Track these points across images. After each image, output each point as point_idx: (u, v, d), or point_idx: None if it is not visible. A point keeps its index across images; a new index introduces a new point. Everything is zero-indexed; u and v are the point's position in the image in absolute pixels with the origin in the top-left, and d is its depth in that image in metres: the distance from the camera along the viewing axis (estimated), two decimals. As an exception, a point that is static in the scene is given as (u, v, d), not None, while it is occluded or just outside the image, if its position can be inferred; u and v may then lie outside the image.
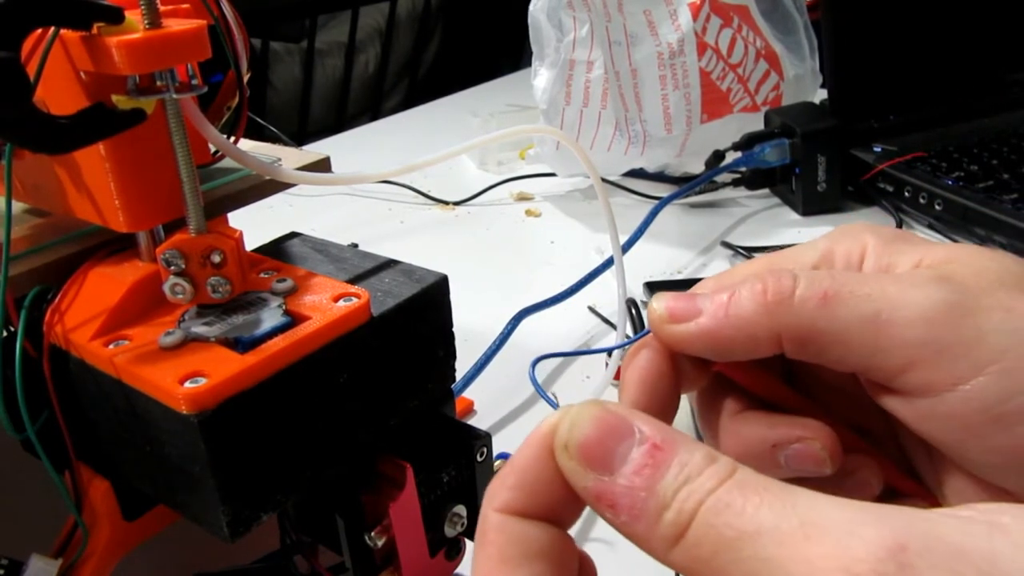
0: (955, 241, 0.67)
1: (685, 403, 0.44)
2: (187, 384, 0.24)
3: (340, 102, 1.84)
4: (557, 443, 0.18)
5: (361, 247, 0.34)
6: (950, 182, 0.69)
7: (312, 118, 1.77)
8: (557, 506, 0.18)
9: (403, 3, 1.95)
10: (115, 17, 0.24)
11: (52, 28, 0.25)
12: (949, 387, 0.19)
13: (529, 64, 0.83)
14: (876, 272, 0.22)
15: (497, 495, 0.19)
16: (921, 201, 0.70)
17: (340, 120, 1.82)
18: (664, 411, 0.23)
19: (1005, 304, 0.19)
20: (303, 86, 1.74)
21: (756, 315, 0.20)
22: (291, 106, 1.75)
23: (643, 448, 0.17)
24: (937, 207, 0.68)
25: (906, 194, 0.71)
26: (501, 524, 0.19)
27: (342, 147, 1.04)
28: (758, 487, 0.16)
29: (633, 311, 0.49)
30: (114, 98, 0.26)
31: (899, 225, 0.70)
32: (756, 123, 0.78)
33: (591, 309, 0.62)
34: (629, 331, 0.49)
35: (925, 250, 0.22)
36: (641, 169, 0.83)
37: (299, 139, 1.35)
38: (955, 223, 0.67)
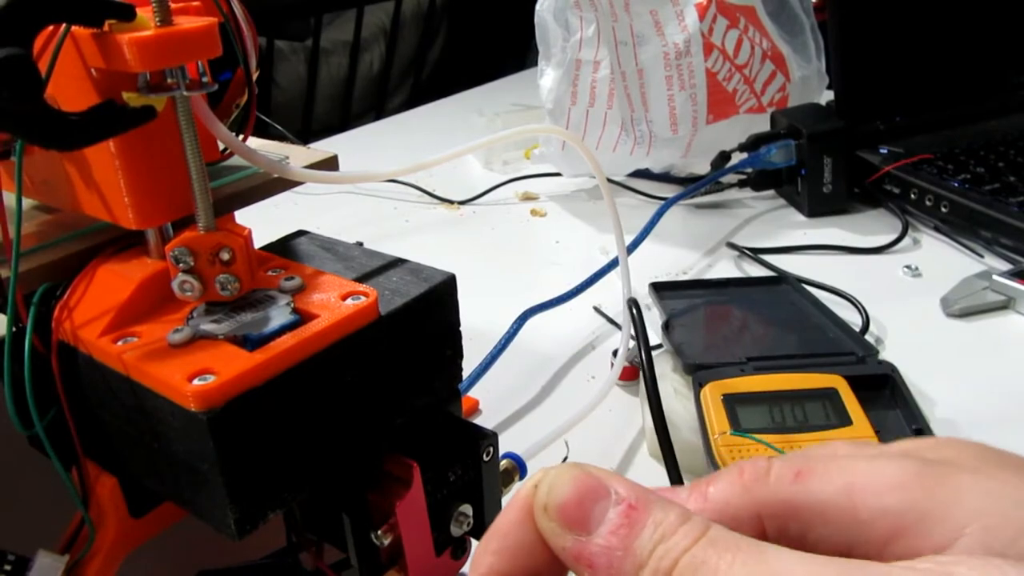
0: (961, 243, 0.67)
1: (689, 411, 0.44)
2: (195, 382, 0.24)
3: (344, 101, 1.84)
4: (536, 505, 0.19)
5: (366, 246, 0.34)
6: (956, 184, 0.69)
7: (316, 117, 1.77)
8: (540, 569, 0.19)
9: (408, 2, 1.95)
10: (127, 14, 0.24)
11: (64, 25, 0.25)
12: (937, 552, 0.19)
13: (534, 64, 0.83)
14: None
15: (481, 561, 0.19)
16: (927, 203, 0.70)
17: (344, 119, 1.82)
18: None
19: (972, 467, 0.20)
20: (308, 85, 1.74)
21: (735, 496, 0.21)
22: (295, 105, 1.75)
23: (619, 508, 0.18)
24: (943, 209, 0.68)
25: (912, 196, 0.71)
26: None
27: (346, 146, 1.04)
28: (730, 544, 0.17)
29: (634, 311, 0.49)
30: (125, 95, 0.26)
31: (905, 227, 0.70)
32: (762, 124, 0.78)
33: (596, 309, 0.62)
34: (634, 331, 0.49)
35: (886, 445, 0.22)
36: (647, 169, 0.83)
37: (303, 138, 1.35)
38: (961, 225, 0.67)
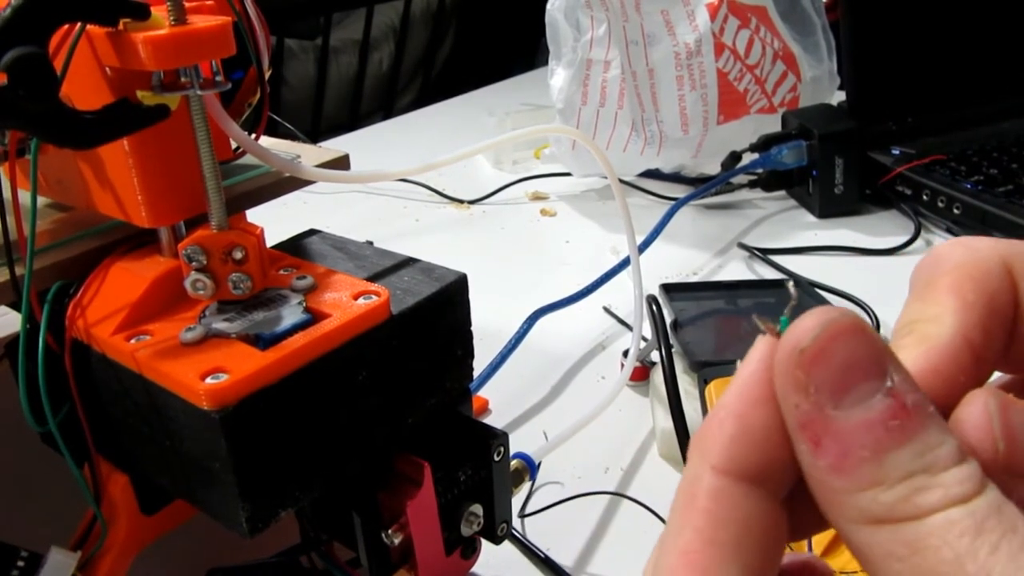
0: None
1: (698, 411, 0.44)
2: (208, 380, 0.24)
3: (354, 100, 1.84)
4: (784, 341, 0.14)
5: (376, 245, 0.34)
6: (969, 186, 0.68)
7: (326, 115, 1.77)
8: (776, 460, 0.15)
9: (417, 1, 1.95)
10: (141, 13, 0.24)
11: (79, 24, 0.25)
12: None
13: (543, 63, 0.83)
14: None
15: (715, 447, 0.15)
16: (939, 205, 0.69)
17: (353, 118, 1.83)
18: None
19: None
20: (317, 83, 1.74)
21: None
22: (305, 103, 1.75)
23: (887, 402, 0.14)
24: (956, 211, 0.68)
25: (924, 197, 0.71)
26: (718, 491, 0.15)
27: (356, 145, 1.04)
28: (1004, 524, 0.13)
29: (654, 307, 0.49)
30: (139, 94, 0.26)
31: (918, 229, 0.69)
32: (773, 125, 0.78)
33: (606, 310, 0.62)
34: (646, 331, 0.49)
35: None
36: (657, 170, 0.82)
37: (313, 136, 1.35)
38: (974, 227, 0.67)
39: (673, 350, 0.50)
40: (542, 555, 0.40)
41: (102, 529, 0.31)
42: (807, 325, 0.14)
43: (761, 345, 0.15)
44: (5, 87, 0.22)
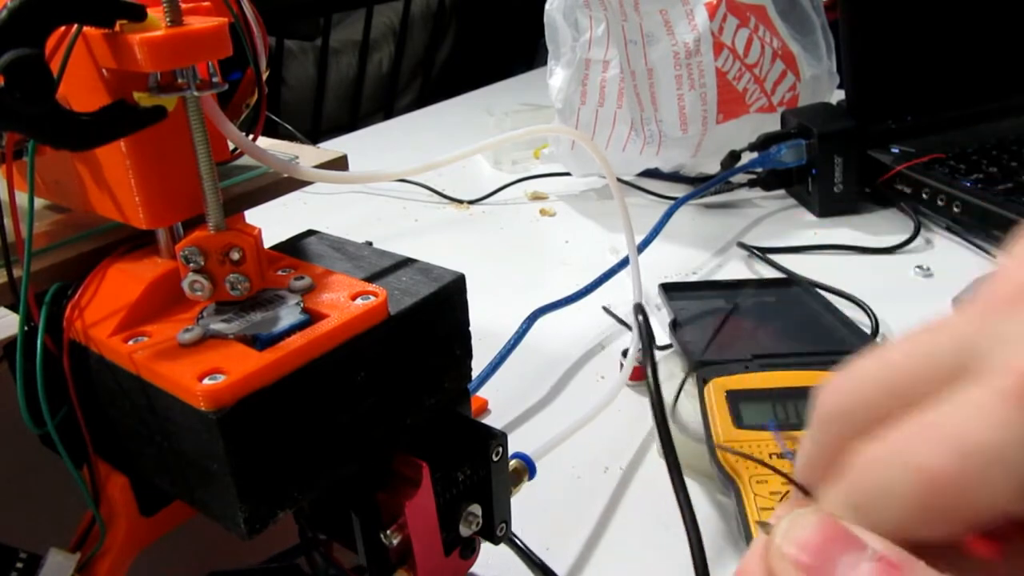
0: (974, 244, 0.67)
1: (699, 410, 0.44)
2: (206, 381, 0.24)
3: (354, 100, 1.84)
4: (771, 544, 0.16)
5: (376, 245, 0.34)
6: (969, 184, 0.68)
7: (326, 116, 1.77)
8: None
9: (417, 2, 1.96)
10: (138, 15, 0.24)
11: (75, 25, 0.25)
12: None
13: (543, 63, 0.83)
14: None
15: None
16: (939, 203, 0.69)
17: (353, 118, 1.83)
18: None
19: None
20: (317, 84, 1.74)
21: None
22: (305, 104, 1.76)
23: (874, 564, 0.15)
24: (955, 209, 0.68)
25: (924, 196, 0.71)
26: None
27: (356, 145, 1.04)
28: None
29: (640, 317, 0.48)
30: (135, 95, 0.26)
31: (917, 227, 0.69)
32: (772, 124, 0.78)
33: (606, 309, 0.62)
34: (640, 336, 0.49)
35: None
36: (656, 169, 0.82)
37: (313, 137, 1.35)
38: (974, 226, 0.67)
39: (675, 350, 0.50)
40: (537, 560, 0.40)
41: (101, 530, 0.31)
42: (780, 526, 0.16)
43: (755, 547, 0.17)
44: (2, 89, 0.22)
